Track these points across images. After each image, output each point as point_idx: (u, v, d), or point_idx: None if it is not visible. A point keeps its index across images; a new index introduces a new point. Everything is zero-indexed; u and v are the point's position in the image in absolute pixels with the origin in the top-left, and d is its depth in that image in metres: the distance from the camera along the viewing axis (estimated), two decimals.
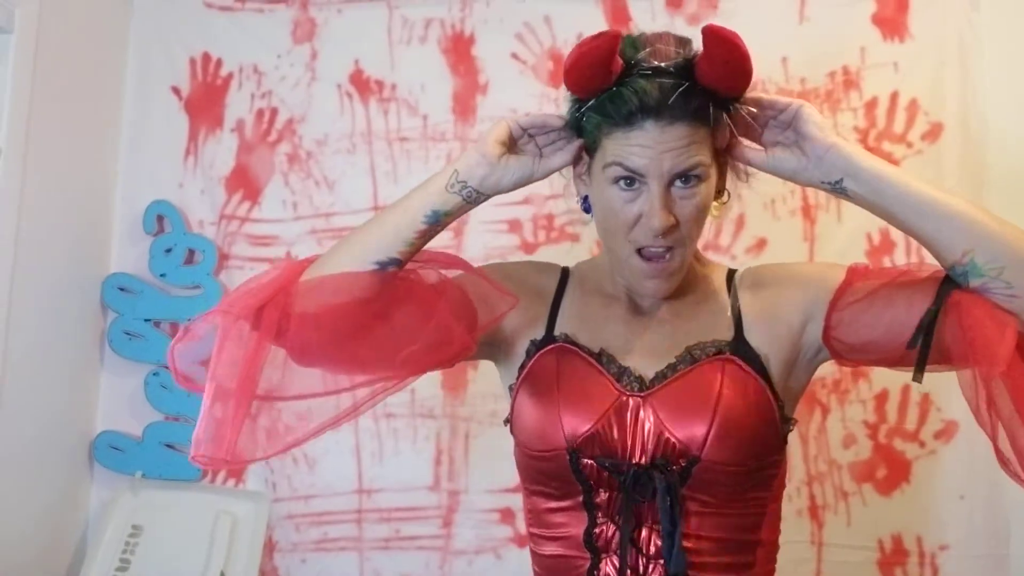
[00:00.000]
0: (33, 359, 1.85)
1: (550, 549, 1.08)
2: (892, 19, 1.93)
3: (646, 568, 1.01)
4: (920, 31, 1.91)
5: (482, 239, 1.97)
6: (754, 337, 1.05)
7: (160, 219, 2.06)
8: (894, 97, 1.91)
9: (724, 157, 1.05)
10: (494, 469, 1.89)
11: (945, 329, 0.95)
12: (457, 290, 1.09)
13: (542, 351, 1.09)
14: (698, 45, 0.99)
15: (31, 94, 1.82)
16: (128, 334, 2.03)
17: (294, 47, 2.09)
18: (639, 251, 1.01)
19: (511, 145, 1.02)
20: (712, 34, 0.95)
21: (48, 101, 1.86)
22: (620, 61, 0.97)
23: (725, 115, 1.00)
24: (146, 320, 2.03)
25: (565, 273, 1.18)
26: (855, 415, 1.85)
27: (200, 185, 2.08)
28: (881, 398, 1.85)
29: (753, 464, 1.01)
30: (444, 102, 2.04)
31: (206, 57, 2.12)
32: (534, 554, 1.12)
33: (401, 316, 1.03)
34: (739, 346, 1.04)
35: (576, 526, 1.04)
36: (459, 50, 2.05)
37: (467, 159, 1.03)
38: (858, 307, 1.01)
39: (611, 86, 0.98)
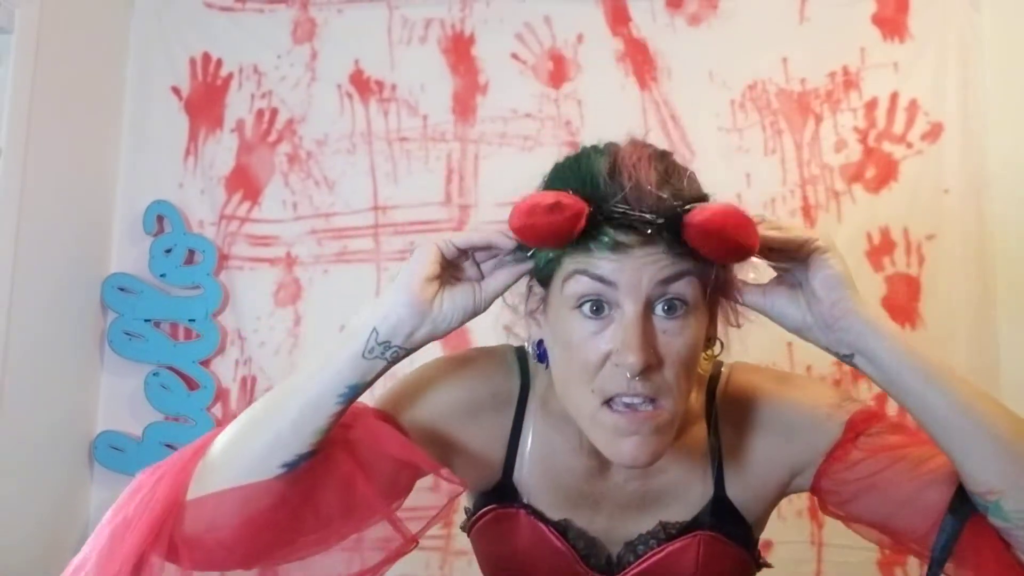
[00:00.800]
0: (33, 359, 1.85)
1: None
2: (892, 19, 1.93)
3: None
4: (920, 31, 1.91)
5: None
6: (735, 489, 0.90)
7: (160, 219, 2.06)
8: (894, 97, 1.91)
9: (714, 300, 0.84)
10: None
11: (955, 549, 0.80)
12: (385, 462, 0.88)
13: (498, 510, 0.93)
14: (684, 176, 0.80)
15: (31, 94, 1.82)
16: (128, 334, 2.03)
17: (294, 47, 2.09)
18: (608, 402, 0.77)
19: (443, 274, 0.81)
20: (701, 232, 0.73)
21: (48, 101, 1.86)
22: (583, 208, 0.75)
23: (718, 266, 0.79)
24: (146, 320, 2.03)
25: (524, 389, 0.94)
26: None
27: (200, 185, 2.08)
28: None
29: None
30: (444, 102, 2.04)
31: (206, 57, 2.12)
32: None
33: (324, 506, 0.83)
34: (717, 510, 0.90)
35: None
36: (459, 50, 2.05)
37: (388, 310, 0.80)
38: (856, 486, 0.85)
39: (575, 239, 0.76)
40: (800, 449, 0.89)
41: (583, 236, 0.75)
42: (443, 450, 0.92)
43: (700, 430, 0.91)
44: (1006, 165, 1.86)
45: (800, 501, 1.84)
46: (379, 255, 2.01)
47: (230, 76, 2.11)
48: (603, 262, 0.75)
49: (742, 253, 0.75)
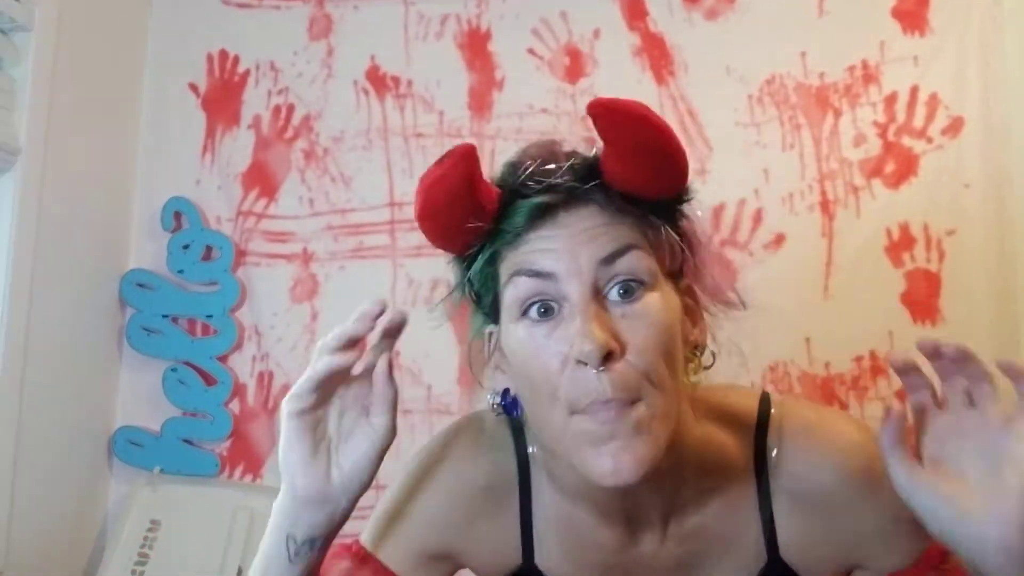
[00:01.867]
0: (52, 355, 1.86)
1: None
2: (912, 12, 1.91)
3: None
4: (941, 24, 1.89)
5: None
6: (792, 552, 0.78)
7: (178, 216, 2.07)
8: (914, 91, 1.89)
9: (694, 294, 0.77)
10: None
11: None
12: None
13: None
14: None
15: (51, 91, 1.83)
16: (146, 330, 2.04)
17: (310, 43, 2.09)
18: (575, 413, 0.67)
19: (319, 434, 0.70)
20: (605, 111, 0.68)
21: (67, 98, 1.87)
22: (494, 189, 0.73)
23: (664, 223, 0.73)
24: (164, 316, 2.04)
25: (524, 467, 0.83)
26: (874, 413, 1.82)
27: (217, 182, 2.09)
28: (901, 396, 1.82)
29: None
30: (460, 98, 2.03)
31: (223, 54, 2.12)
32: None
33: None
34: (773, 570, 0.79)
35: None
36: (475, 46, 2.04)
37: (290, 513, 0.70)
38: None
39: (489, 224, 0.72)
40: (866, 554, 0.78)
41: (503, 220, 0.70)
42: (451, 563, 0.85)
43: (745, 484, 0.79)
44: None
45: None
46: (395, 251, 2.01)
47: (247, 73, 2.11)
48: (536, 254, 0.69)
49: (670, 150, 0.67)
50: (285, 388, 1.97)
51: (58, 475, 1.90)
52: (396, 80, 2.06)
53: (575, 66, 2.01)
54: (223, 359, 2.02)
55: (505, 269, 0.71)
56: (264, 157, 2.08)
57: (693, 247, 0.76)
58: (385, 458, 2.03)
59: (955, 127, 1.87)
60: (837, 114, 1.91)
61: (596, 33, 2.01)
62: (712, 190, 1.92)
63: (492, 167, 2.11)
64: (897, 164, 1.88)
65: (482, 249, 0.74)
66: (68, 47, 1.87)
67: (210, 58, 2.12)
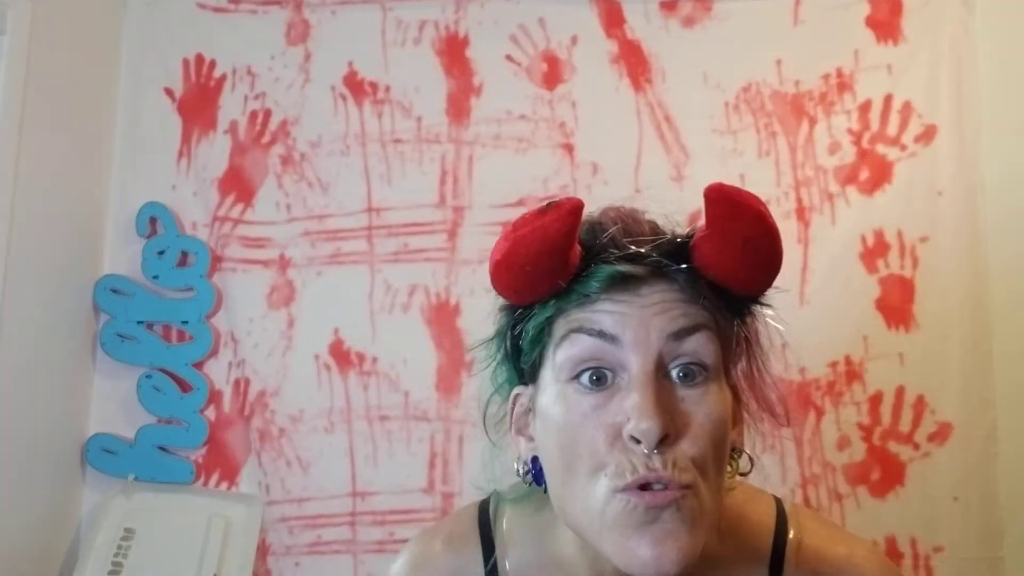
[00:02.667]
0: (25, 361, 1.84)
1: None
2: (886, 21, 1.93)
3: None
4: (914, 33, 1.92)
5: (477, 241, 1.96)
6: None
7: (153, 221, 2.05)
8: (888, 99, 1.91)
9: (738, 393, 0.73)
10: None
11: None
12: None
13: None
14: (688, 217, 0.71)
15: (24, 95, 1.81)
16: (121, 336, 2.02)
17: (288, 49, 2.08)
18: (620, 492, 0.62)
19: None
20: (725, 198, 0.64)
21: (41, 102, 1.86)
22: (579, 248, 0.67)
23: (737, 319, 0.70)
24: (139, 322, 2.01)
25: (489, 555, 0.80)
26: (849, 417, 1.85)
27: (193, 187, 2.07)
28: (875, 400, 1.85)
29: None
30: (438, 104, 2.03)
31: (199, 58, 2.11)
32: None
33: None
34: None
35: None
36: (453, 52, 2.05)
37: None
38: None
39: (566, 283, 0.67)
40: None
41: (578, 281, 0.65)
42: None
43: (759, 558, 0.76)
44: (1000, 167, 1.87)
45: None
46: (373, 257, 2.00)
47: (223, 77, 2.10)
48: (603, 315, 0.64)
49: (774, 249, 0.65)
50: (261, 395, 1.97)
51: (30, 483, 1.88)
52: (374, 86, 2.06)
53: (553, 72, 2.01)
54: (199, 366, 2.00)
55: (562, 326, 0.67)
56: (241, 162, 2.07)
57: (753, 349, 0.73)
58: (364, 466, 2.03)
59: (928, 135, 1.89)
60: (812, 122, 1.93)
61: (574, 40, 2.01)
62: (688, 197, 1.91)
63: (470, 174, 2.12)
64: (871, 171, 1.90)
65: (546, 304, 0.68)
66: (41, 51, 1.85)
67: (186, 63, 2.11)
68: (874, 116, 1.91)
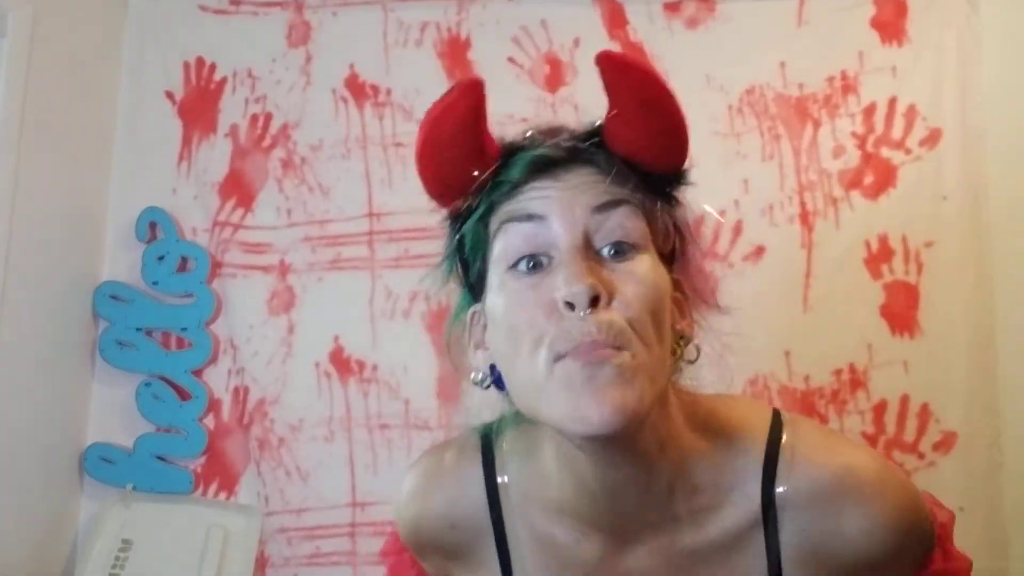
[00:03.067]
0: (23, 369, 1.83)
1: None
2: (891, 23, 1.91)
3: None
4: (919, 35, 1.90)
5: None
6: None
7: (153, 226, 2.04)
8: (892, 102, 1.90)
9: (681, 286, 0.76)
10: None
11: None
12: None
13: None
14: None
15: (24, 98, 1.80)
16: (120, 343, 2.00)
17: (289, 51, 2.07)
18: (560, 360, 0.65)
19: None
20: (612, 63, 0.69)
21: (41, 105, 1.84)
22: (494, 142, 0.73)
23: (659, 201, 0.73)
24: (138, 329, 2.00)
25: (492, 486, 0.81)
26: (854, 426, 1.83)
27: (193, 191, 2.06)
28: (879, 409, 1.83)
29: None
30: None
31: (200, 61, 2.09)
32: None
33: None
34: None
35: None
36: (455, 54, 2.03)
37: None
38: None
39: (487, 175, 0.71)
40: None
41: (501, 172, 0.71)
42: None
43: (746, 511, 0.73)
44: (1005, 171, 1.85)
45: None
46: (374, 262, 1.99)
47: (224, 80, 2.09)
48: (529, 201, 0.69)
49: (672, 110, 0.69)
50: (261, 403, 1.95)
51: (28, 493, 1.86)
52: (375, 88, 2.04)
53: (555, 75, 2.00)
54: (198, 373, 1.99)
55: (495, 221, 0.71)
56: (241, 166, 2.06)
57: (684, 238, 0.76)
58: (364, 475, 2.02)
59: (933, 138, 1.87)
60: (816, 125, 1.92)
61: (576, 42, 2.00)
62: (690, 199, 1.91)
63: None
64: (876, 175, 1.89)
65: (478, 204, 0.72)
66: (42, 54, 1.84)
67: (186, 65, 2.10)
68: (879, 119, 1.90)
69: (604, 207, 0.68)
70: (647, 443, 0.69)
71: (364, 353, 1.95)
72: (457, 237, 0.75)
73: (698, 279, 0.78)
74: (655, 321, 0.67)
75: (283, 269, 2.00)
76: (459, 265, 0.76)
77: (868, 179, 1.89)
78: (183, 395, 1.98)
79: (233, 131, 2.07)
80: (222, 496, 1.97)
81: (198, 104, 2.09)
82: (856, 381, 1.83)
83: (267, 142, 2.06)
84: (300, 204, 2.02)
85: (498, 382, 0.74)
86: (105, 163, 2.09)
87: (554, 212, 0.68)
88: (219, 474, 1.98)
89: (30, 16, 1.81)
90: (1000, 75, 1.87)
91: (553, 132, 0.74)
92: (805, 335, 1.86)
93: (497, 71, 2.01)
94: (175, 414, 1.97)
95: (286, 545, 1.93)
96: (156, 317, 2.01)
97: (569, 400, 0.63)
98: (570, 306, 0.65)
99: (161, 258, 2.01)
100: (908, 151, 1.88)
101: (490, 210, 0.72)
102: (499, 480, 0.81)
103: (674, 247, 0.75)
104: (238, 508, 1.94)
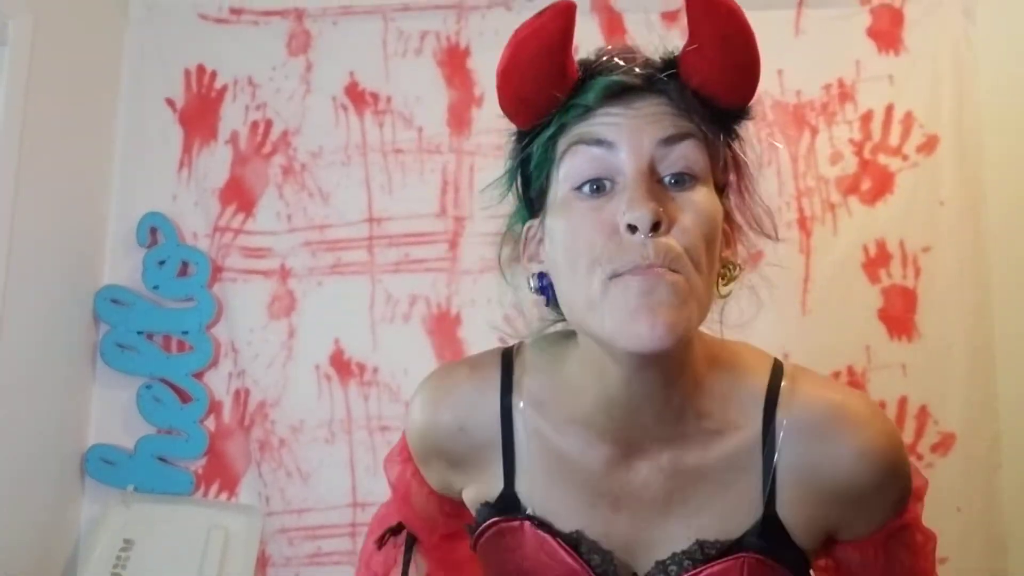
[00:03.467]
0: (25, 371, 1.84)
1: None
2: (887, 32, 1.93)
3: None
4: (915, 44, 1.92)
5: (478, 251, 1.96)
6: (787, 510, 0.78)
7: (153, 231, 2.05)
8: (889, 110, 1.91)
9: (731, 215, 0.80)
10: None
11: None
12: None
13: (501, 524, 0.83)
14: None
15: (25, 106, 1.81)
16: (121, 346, 2.01)
17: (289, 59, 2.08)
18: (615, 277, 0.68)
19: None
20: (704, 5, 0.71)
21: (42, 112, 1.85)
22: (575, 65, 0.75)
23: (723, 134, 0.76)
24: (139, 332, 2.01)
25: (507, 395, 0.84)
26: None
27: (194, 197, 2.07)
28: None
29: None
30: (439, 114, 2.03)
31: (201, 69, 2.11)
32: None
33: None
34: (767, 531, 0.77)
35: None
36: (454, 62, 2.05)
37: None
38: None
39: (565, 98, 0.73)
40: (851, 526, 0.80)
41: (576, 95, 0.72)
42: (447, 466, 0.89)
43: (748, 438, 0.78)
44: (1002, 176, 1.86)
45: None
46: (373, 267, 2.00)
47: (224, 88, 2.10)
48: (600, 126, 0.71)
49: (752, 50, 0.72)
50: (261, 405, 1.96)
51: (29, 494, 1.87)
52: (375, 96, 2.06)
53: None
54: (199, 376, 2.00)
55: (564, 142, 0.73)
56: (241, 172, 2.07)
57: (741, 170, 0.80)
58: (365, 476, 2.03)
59: (930, 145, 1.89)
60: (814, 132, 1.93)
61: (575, 50, 2.01)
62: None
63: (471, 184, 2.11)
64: (873, 181, 1.90)
65: (549, 123, 0.75)
66: (43, 62, 1.85)
67: (187, 73, 2.11)
68: (876, 126, 1.91)
69: (671, 140, 0.71)
70: (674, 364, 0.74)
71: (364, 356, 1.97)
72: (523, 154, 0.77)
73: (752, 210, 0.82)
74: (708, 250, 0.71)
75: (283, 273, 2.01)
76: (520, 180, 0.79)
77: (866, 185, 1.90)
78: (184, 397, 1.99)
79: (233, 138, 2.08)
80: (223, 497, 1.98)
81: (199, 111, 2.10)
82: (855, 383, 1.84)
83: (267, 149, 2.07)
84: (300, 210, 2.04)
85: (545, 292, 0.77)
86: (106, 169, 2.10)
87: (623, 139, 0.70)
88: (220, 475, 1.98)
89: (31, 24, 1.82)
90: (996, 81, 1.89)
91: (629, 57, 0.76)
92: (804, 339, 1.87)
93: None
94: (176, 416, 1.98)
95: (287, 545, 1.94)
96: (157, 321, 2.02)
97: (623, 317, 0.67)
98: (632, 229, 0.68)
99: (162, 262, 2.02)
100: (905, 157, 1.90)
101: (560, 131, 0.74)
102: (514, 392, 0.84)
103: (729, 179, 0.79)
104: (239, 508, 1.95)
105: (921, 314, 1.85)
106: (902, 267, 1.87)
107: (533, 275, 0.79)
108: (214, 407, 2.00)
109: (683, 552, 0.77)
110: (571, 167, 0.72)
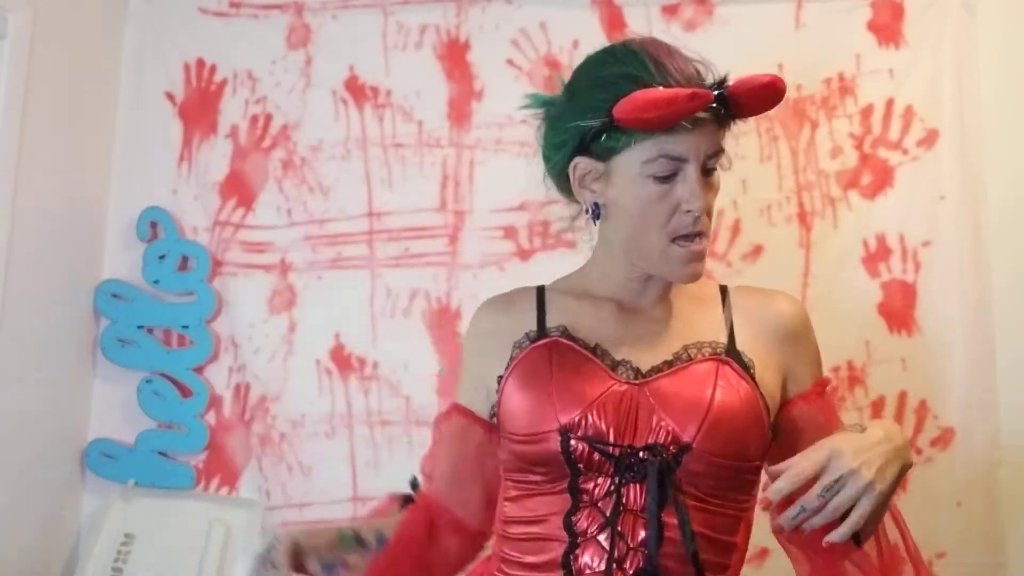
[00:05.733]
0: (25, 365, 1.84)
1: (523, 530, 1.06)
2: (888, 26, 1.93)
3: (625, 556, 0.99)
4: (915, 38, 1.91)
5: (478, 245, 1.96)
6: (745, 346, 1.07)
7: (154, 225, 2.05)
8: (890, 103, 1.91)
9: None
10: None
11: None
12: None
13: (536, 344, 1.09)
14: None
15: (25, 99, 1.81)
16: (121, 341, 2.01)
17: (289, 53, 2.08)
18: (675, 240, 1.04)
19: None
20: (766, 85, 1.04)
21: (42, 106, 1.86)
22: (712, 96, 1.02)
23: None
24: (139, 327, 2.01)
25: (540, 288, 1.17)
26: (851, 422, 1.84)
27: (194, 191, 2.07)
28: (877, 405, 1.84)
29: (740, 461, 1.02)
30: (439, 108, 2.03)
31: (200, 63, 2.11)
32: (502, 538, 1.09)
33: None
34: (732, 351, 1.06)
35: (557, 509, 1.03)
36: (454, 56, 2.04)
37: None
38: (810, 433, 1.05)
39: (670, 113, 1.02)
40: (792, 370, 1.09)
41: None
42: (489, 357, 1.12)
43: (715, 302, 1.13)
44: (1002, 171, 1.86)
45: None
46: (373, 261, 2.00)
47: (224, 82, 2.10)
48: (678, 144, 1.00)
49: (781, 95, 1.06)
50: (262, 400, 1.96)
51: (30, 488, 1.87)
52: (375, 90, 2.05)
53: (554, 76, 2.00)
54: (199, 370, 2.00)
55: (651, 147, 1.01)
56: (241, 167, 2.07)
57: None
58: (365, 471, 2.03)
59: (930, 139, 1.89)
60: (814, 126, 1.93)
61: (575, 44, 2.01)
62: None
63: (471, 179, 2.10)
64: (873, 176, 1.90)
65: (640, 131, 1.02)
66: (43, 56, 1.85)
67: (187, 67, 2.11)
68: (876, 120, 1.91)
69: (714, 154, 1.03)
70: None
71: (364, 351, 1.97)
72: (604, 135, 1.03)
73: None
74: (711, 219, 1.07)
75: (284, 268, 2.02)
76: (591, 139, 1.04)
77: (866, 179, 1.90)
78: (184, 392, 1.99)
79: (233, 132, 2.08)
80: (224, 491, 1.99)
81: (198, 105, 2.10)
82: (854, 378, 1.84)
83: (267, 143, 2.07)
84: (300, 204, 2.04)
85: (596, 216, 1.08)
86: (106, 163, 2.10)
87: (691, 154, 1.01)
88: (220, 469, 1.99)
89: (31, 18, 1.82)
90: (997, 76, 1.89)
91: (701, 89, 1.00)
92: None
93: (496, 73, 2.02)
94: (176, 410, 1.98)
95: None
96: (157, 315, 2.02)
97: (678, 267, 1.05)
98: (690, 212, 1.01)
99: (162, 257, 2.02)
100: (905, 151, 1.90)
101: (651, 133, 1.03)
102: (546, 290, 1.16)
103: None
104: (240, 502, 1.95)
105: (921, 309, 1.86)
106: (902, 262, 1.87)
107: (591, 204, 1.07)
108: (214, 401, 2.00)
109: (674, 355, 1.06)
110: (653, 169, 1.01)
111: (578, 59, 1.96)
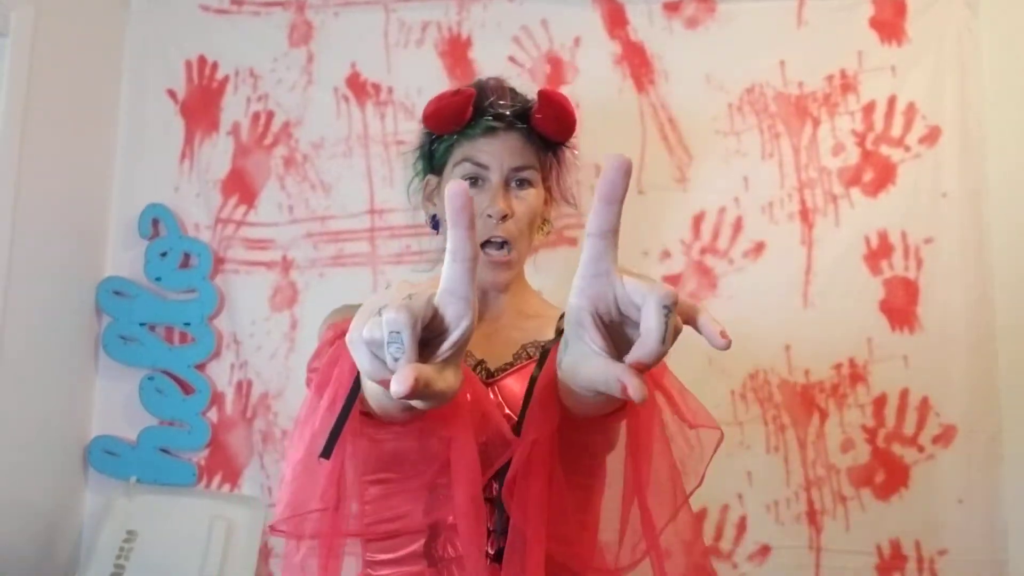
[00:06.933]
0: (27, 363, 1.84)
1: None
2: (890, 23, 1.93)
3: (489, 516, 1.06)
4: (917, 35, 1.91)
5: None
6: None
7: (155, 223, 2.05)
8: (892, 101, 1.91)
9: (552, 192, 1.29)
10: None
11: None
12: None
13: None
14: (532, 97, 1.24)
15: (27, 97, 1.81)
16: (123, 338, 2.01)
17: (290, 50, 2.08)
18: (483, 245, 1.18)
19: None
20: (546, 97, 1.23)
21: (44, 104, 1.86)
22: (471, 110, 1.20)
23: (551, 154, 1.27)
24: (141, 324, 2.01)
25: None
26: (853, 420, 1.84)
27: (196, 188, 2.07)
28: (880, 402, 1.84)
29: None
30: None
31: (202, 60, 2.11)
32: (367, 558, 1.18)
33: None
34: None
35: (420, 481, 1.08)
36: (456, 53, 2.04)
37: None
38: None
39: (463, 127, 1.22)
40: None
41: (468, 124, 1.21)
42: None
43: (553, 315, 1.20)
44: (1004, 168, 1.86)
45: (798, 505, 1.83)
46: (375, 258, 2.00)
47: (226, 79, 2.10)
48: (480, 152, 1.19)
49: (571, 123, 1.25)
50: (264, 397, 1.96)
51: (32, 486, 1.87)
52: (377, 87, 2.05)
53: (556, 74, 2.01)
54: (201, 367, 2.00)
55: (458, 153, 1.22)
56: (243, 164, 2.07)
57: (560, 170, 1.30)
58: None
59: (932, 136, 1.89)
60: (816, 123, 1.93)
61: (577, 41, 2.01)
62: (692, 198, 1.93)
63: None
64: (875, 173, 1.90)
65: (451, 136, 1.24)
66: (44, 53, 1.85)
67: (188, 64, 2.11)
68: (878, 117, 1.91)
69: (519, 168, 1.20)
70: (504, 283, 1.25)
71: None
72: (433, 145, 1.27)
73: (560, 190, 1.32)
74: (529, 228, 1.23)
75: (285, 265, 2.02)
76: (430, 156, 1.28)
77: (868, 176, 1.90)
78: (186, 389, 1.99)
79: (235, 129, 2.08)
80: (226, 488, 1.99)
81: (200, 102, 2.10)
82: (856, 375, 1.84)
83: (269, 140, 2.07)
84: (302, 201, 2.04)
85: (436, 226, 1.30)
86: (107, 161, 2.10)
87: (493, 163, 1.20)
88: (222, 467, 1.99)
89: (32, 15, 1.82)
90: (999, 73, 1.89)
91: (502, 104, 1.22)
92: (805, 330, 1.87)
93: (498, 70, 1.99)
94: (178, 408, 1.98)
95: None
96: (159, 312, 2.02)
97: (484, 271, 1.20)
98: (491, 216, 1.17)
99: (164, 254, 2.02)
100: (907, 148, 1.90)
101: (457, 142, 1.23)
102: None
103: (551, 175, 1.29)
104: (241, 499, 1.95)
105: (923, 306, 1.86)
106: (904, 259, 1.87)
107: (430, 215, 1.30)
108: (216, 399, 2.00)
109: (514, 355, 1.17)
110: (460, 172, 1.20)
111: (580, 56, 2.00)
